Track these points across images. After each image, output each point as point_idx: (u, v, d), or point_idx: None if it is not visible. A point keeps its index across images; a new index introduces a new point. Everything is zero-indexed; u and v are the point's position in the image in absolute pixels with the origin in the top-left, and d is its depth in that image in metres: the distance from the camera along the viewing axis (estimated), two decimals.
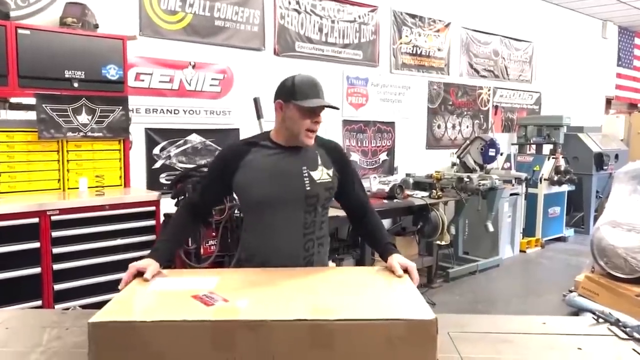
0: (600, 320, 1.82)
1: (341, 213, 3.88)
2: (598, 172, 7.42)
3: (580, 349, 1.61)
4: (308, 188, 1.86)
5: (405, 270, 1.73)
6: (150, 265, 1.70)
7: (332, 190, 1.92)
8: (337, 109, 1.81)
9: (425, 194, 4.81)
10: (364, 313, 1.35)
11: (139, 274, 1.67)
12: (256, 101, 3.74)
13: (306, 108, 1.81)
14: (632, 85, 10.51)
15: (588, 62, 9.05)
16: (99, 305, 3.22)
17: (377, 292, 1.61)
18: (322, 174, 1.90)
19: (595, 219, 7.68)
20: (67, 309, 2.78)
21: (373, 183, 4.70)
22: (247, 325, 1.30)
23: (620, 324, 1.77)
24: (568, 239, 7.21)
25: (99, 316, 1.33)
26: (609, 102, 10.09)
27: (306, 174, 1.87)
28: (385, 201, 4.42)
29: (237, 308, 1.40)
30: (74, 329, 1.78)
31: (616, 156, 7.64)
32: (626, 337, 1.68)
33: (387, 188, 4.61)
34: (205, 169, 3.67)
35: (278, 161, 1.86)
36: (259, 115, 3.72)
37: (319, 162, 1.91)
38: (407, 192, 4.72)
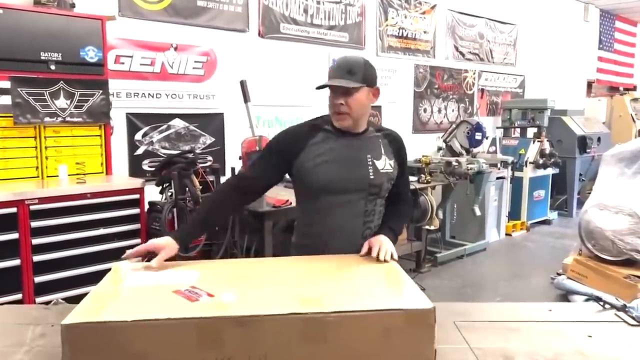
0: (607, 306, 1.78)
1: None
2: (581, 155, 7.46)
3: (590, 336, 1.57)
4: (372, 177, 1.83)
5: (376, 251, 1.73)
6: (165, 248, 1.65)
7: (392, 182, 1.90)
8: (347, 88, 1.73)
9: (414, 178, 4.75)
10: (358, 304, 1.29)
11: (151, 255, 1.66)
12: (243, 84, 3.62)
13: (323, 88, 1.79)
14: (613, 68, 10.59)
15: (570, 46, 9.06)
16: (82, 298, 3.10)
17: (368, 280, 1.55)
18: (386, 163, 1.87)
19: (578, 201, 7.81)
20: (49, 302, 2.65)
21: None
22: (235, 321, 1.21)
23: (627, 309, 1.73)
24: (552, 222, 7.26)
25: (73, 317, 1.22)
26: (589, 85, 10.14)
27: (370, 163, 1.84)
28: None
29: (224, 303, 1.32)
30: (59, 325, 1.67)
31: (598, 139, 7.68)
32: (635, 323, 1.64)
33: None
34: (190, 155, 3.55)
35: (343, 147, 1.82)
36: (246, 99, 3.60)
37: (382, 151, 1.88)
38: None
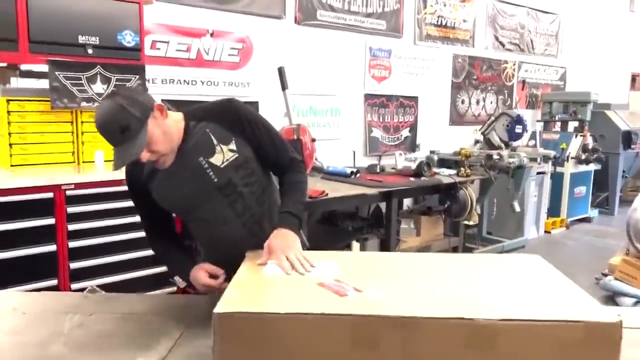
0: None
1: (358, 191, 3.76)
2: (625, 151, 7.14)
3: None
4: (215, 180, 1.59)
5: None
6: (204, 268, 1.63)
7: (247, 164, 1.63)
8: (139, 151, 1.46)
9: (452, 172, 4.59)
10: (531, 312, 1.15)
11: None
12: (281, 71, 3.51)
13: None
14: None
15: (614, 37, 8.69)
16: (117, 286, 3.05)
17: (531, 286, 1.38)
18: (224, 154, 1.59)
19: (620, 199, 7.50)
20: (84, 289, 2.62)
21: (399, 160, 4.48)
22: (395, 322, 1.12)
23: None
24: (593, 219, 6.99)
25: (224, 306, 1.15)
26: (633, 78, 9.73)
27: (206, 165, 1.58)
28: (412, 179, 4.21)
29: (376, 301, 1.21)
30: (98, 315, 1.62)
31: None
32: None
33: (412, 165, 4.39)
34: None
35: (173, 167, 1.59)
36: (284, 86, 3.49)
37: (214, 141, 1.59)
38: (434, 169, 4.51)
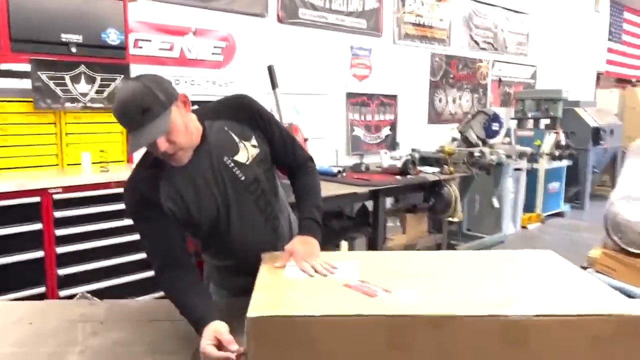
0: None
1: (347, 190, 3.76)
2: (595, 147, 7.37)
3: None
4: (243, 178, 1.54)
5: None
6: (215, 329, 1.31)
7: (266, 159, 1.61)
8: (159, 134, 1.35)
9: (436, 169, 4.64)
10: (563, 307, 1.17)
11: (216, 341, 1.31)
12: (270, 69, 3.48)
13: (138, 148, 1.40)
14: (622, 60, 10.50)
15: (581, 36, 8.96)
16: (107, 291, 2.96)
17: (555, 281, 1.39)
18: (247, 150, 1.56)
19: (591, 194, 7.74)
20: (73, 295, 2.54)
21: (384, 158, 4.50)
22: (430, 322, 1.12)
23: None
24: (566, 214, 7.18)
25: (256, 309, 1.13)
26: (598, 77, 10.05)
27: (231, 164, 1.53)
28: (399, 177, 4.24)
29: (408, 301, 1.20)
30: (110, 323, 1.56)
31: (611, 131, 7.60)
32: None
33: (398, 164, 4.42)
34: None
35: (194, 168, 1.49)
36: (274, 85, 3.46)
37: (236, 139, 1.55)
38: (418, 167, 4.55)
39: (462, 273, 1.43)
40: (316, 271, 1.38)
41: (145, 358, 1.35)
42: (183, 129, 1.41)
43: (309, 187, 1.67)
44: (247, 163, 1.55)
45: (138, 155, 1.54)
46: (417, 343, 1.12)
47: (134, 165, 1.59)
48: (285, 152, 1.66)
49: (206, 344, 1.27)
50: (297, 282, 1.35)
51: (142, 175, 1.50)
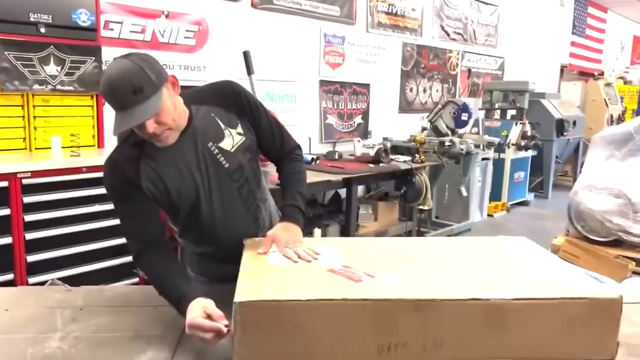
0: None
1: (322, 178, 3.79)
2: (558, 138, 7.59)
3: None
4: (226, 165, 1.53)
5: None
6: (203, 305, 1.28)
7: (252, 147, 1.60)
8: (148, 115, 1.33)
9: (407, 158, 4.70)
10: (541, 291, 1.21)
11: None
12: (246, 55, 3.44)
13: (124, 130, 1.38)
14: (583, 53, 10.80)
15: (547, 29, 9.17)
16: (78, 278, 2.91)
17: (532, 266, 1.43)
18: (232, 138, 1.55)
19: (554, 184, 7.98)
20: (43, 282, 2.49)
21: (357, 147, 4.52)
22: (414, 305, 1.15)
23: None
24: (529, 203, 7.39)
25: (244, 294, 1.15)
26: (562, 69, 10.33)
27: (215, 150, 1.52)
28: (372, 165, 4.28)
29: (393, 285, 1.23)
30: (89, 309, 1.54)
31: (574, 122, 7.82)
32: None
33: (371, 152, 4.46)
34: None
35: (177, 151, 1.48)
36: (250, 71, 3.43)
37: (222, 126, 1.54)
38: (390, 156, 4.60)
39: (442, 258, 1.46)
40: (299, 257, 1.40)
41: (129, 343, 1.34)
42: (172, 111, 1.40)
43: (295, 174, 1.67)
44: (232, 150, 1.55)
45: (109, 140, 1.51)
46: (401, 326, 1.15)
47: (105, 150, 1.56)
48: (273, 140, 1.66)
49: (195, 316, 1.24)
50: (282, 268, 1.36)
51: (123, 155, 1.48)
